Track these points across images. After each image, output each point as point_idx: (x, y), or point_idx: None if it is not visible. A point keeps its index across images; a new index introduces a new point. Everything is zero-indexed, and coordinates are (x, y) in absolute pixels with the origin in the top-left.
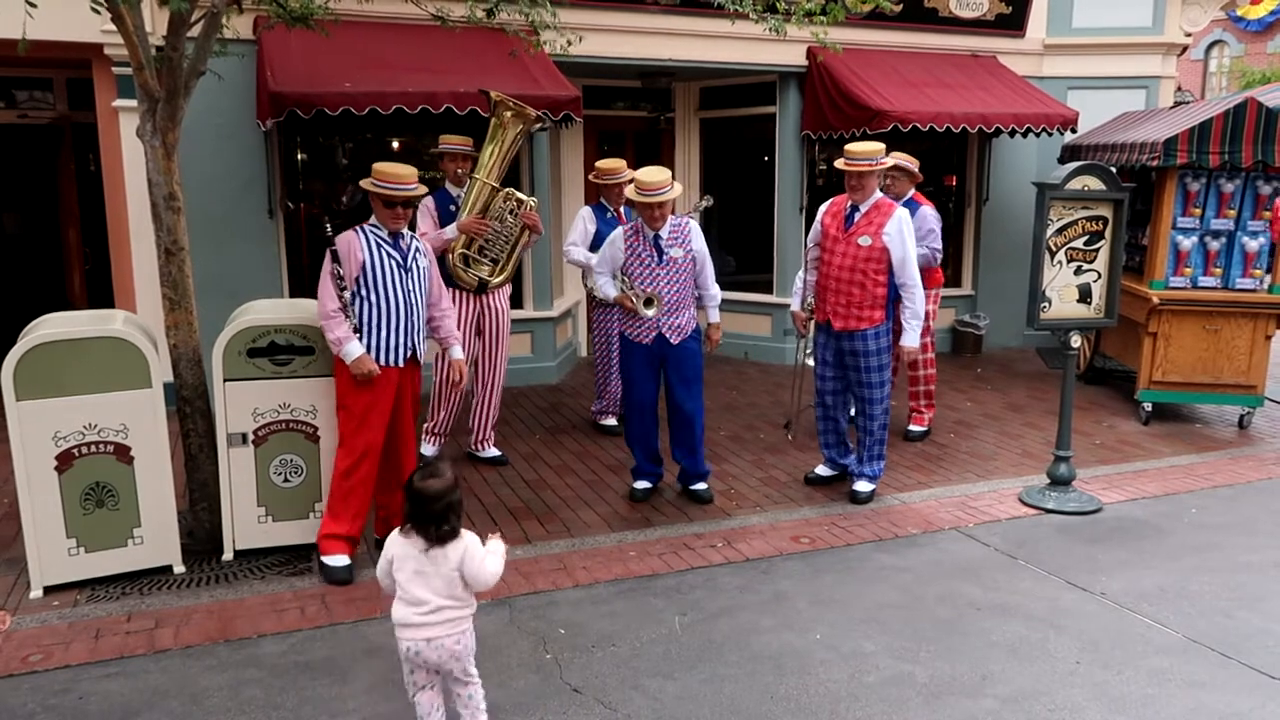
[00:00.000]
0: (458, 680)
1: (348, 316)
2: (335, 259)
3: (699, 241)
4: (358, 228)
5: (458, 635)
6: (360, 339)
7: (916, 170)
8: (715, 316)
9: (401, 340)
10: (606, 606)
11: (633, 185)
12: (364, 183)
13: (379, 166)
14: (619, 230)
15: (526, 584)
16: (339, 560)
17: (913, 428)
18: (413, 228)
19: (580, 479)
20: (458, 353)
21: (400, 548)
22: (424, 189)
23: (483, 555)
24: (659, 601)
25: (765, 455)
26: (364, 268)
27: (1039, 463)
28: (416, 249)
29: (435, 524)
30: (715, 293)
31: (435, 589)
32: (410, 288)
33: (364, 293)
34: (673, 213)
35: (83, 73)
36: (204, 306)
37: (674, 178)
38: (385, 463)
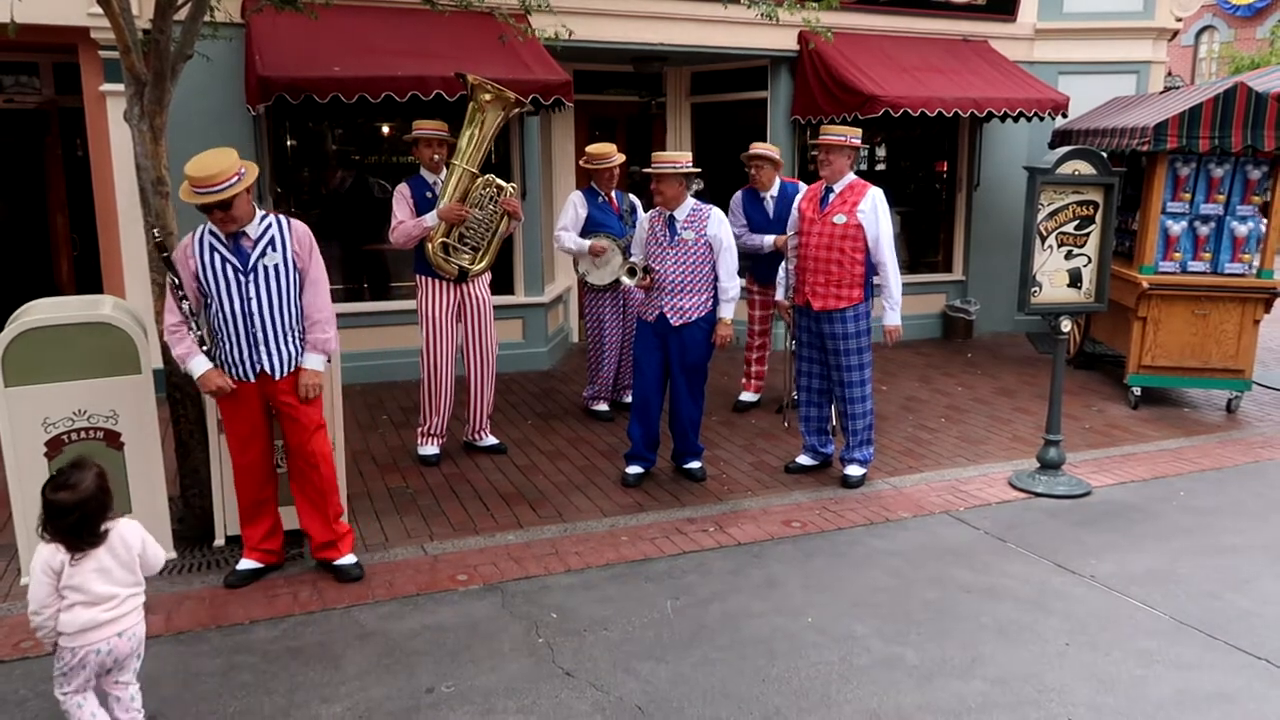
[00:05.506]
0: (125, 673)
1: (191, 329)
2: (171, 269)
3: (715, 228)
4: (196, 230)
5: (141, 619)
6: (214, 351)
7: (778, 157)
8: (725, 312)
9: (245, 353)
10: (599, 591)
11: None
12: (182, 188)
13: (190, 166)
14: (649, 212)
15: (519, 569)
16: (245, 564)
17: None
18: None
19: (572, 464)
20: (309, 362)
21: (63, 553)
22: (239, 187)
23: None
24: (651, 586)
25: (756, 440)
26: (197, 277)
27: (1029, 447)
28: (268, 248)
29: (77, 534)
30: (728, 286)
31: (119, 580)
32: (253, 294)
33: (207, 301)
34: (703, 200)
35: (70, 57)
36: None
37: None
38: (291, 483)
